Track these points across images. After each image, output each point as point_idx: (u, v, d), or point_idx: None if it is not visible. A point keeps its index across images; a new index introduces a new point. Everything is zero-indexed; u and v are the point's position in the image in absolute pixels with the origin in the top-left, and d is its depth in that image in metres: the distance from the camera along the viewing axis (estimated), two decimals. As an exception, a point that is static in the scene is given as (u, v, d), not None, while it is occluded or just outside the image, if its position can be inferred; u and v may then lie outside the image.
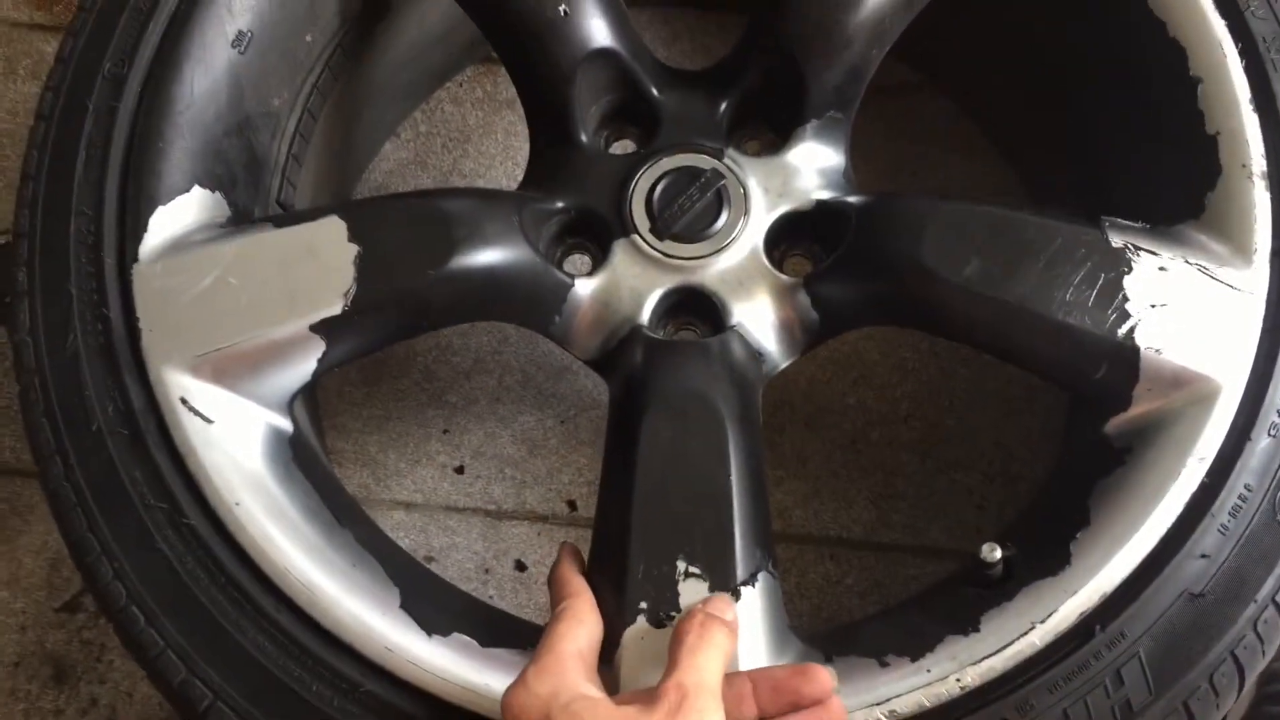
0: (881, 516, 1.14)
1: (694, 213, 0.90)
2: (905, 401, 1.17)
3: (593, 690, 0.67)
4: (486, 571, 1.14)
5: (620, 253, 0.91)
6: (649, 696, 0.66)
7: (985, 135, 1.23)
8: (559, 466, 1.17)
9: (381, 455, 1.18)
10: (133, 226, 0.85)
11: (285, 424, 0.86)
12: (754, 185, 0.92)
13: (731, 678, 0.71)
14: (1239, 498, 0.77)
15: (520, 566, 1.14)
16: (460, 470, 1.17)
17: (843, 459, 1.16)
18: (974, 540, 1.10)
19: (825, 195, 0.92)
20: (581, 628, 0.72)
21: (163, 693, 0.79)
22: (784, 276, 0.90)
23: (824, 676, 0.70)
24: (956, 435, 1.16)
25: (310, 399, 1.04)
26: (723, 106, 0.95)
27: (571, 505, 1.16)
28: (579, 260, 0.94)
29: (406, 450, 1.18)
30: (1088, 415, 0.85)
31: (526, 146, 1.24)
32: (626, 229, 0.90)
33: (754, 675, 0.71)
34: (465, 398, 1.19)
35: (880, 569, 1.13)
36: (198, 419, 0.81)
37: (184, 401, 0.81)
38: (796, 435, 1.17)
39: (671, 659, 0.69)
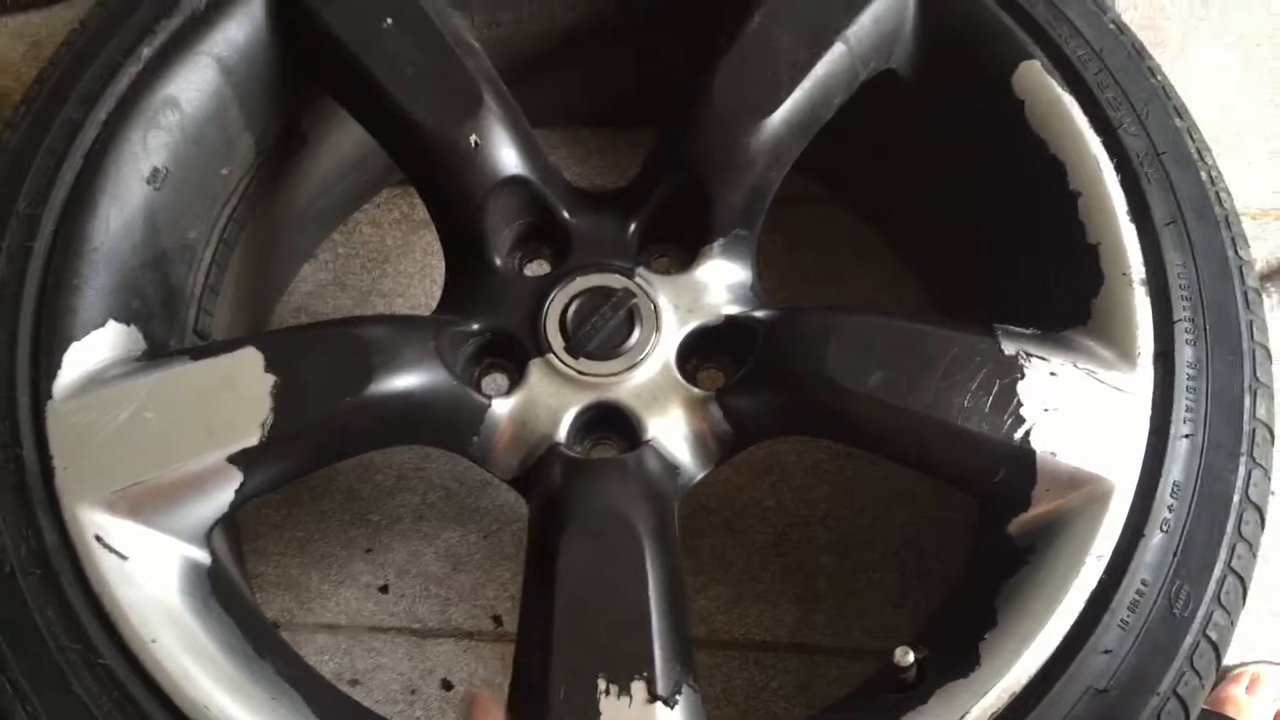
0: (804, 618, 1.15)
1: (607, 331, 0.93)
2: (822, 503, 1.20)
3: None
4: (413, 692, 1.13)
5: (536, 372, 0.93)
6: None
7: (886, 244, 1.28)
8: (483, 582, 1.17)
9: (304, 577, 1.17)
10: (46, 364, 0.85)
11: (203, 556, 0.86)
12: (664, 302, 0.95)
13: None
14: (1136, 593, 0.80)
15: (447, 685, 1.14)
16: (384, 589, 1.17)
17: (763, 562, 1.18)
18: (894, 638, 1.11)
19: (734, 310, 0.95)
20: None
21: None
22: (697, 390, 0.92)
23: None
24: (872, 535, 1.18)
25: (230, 523, 1.04)
26: (632, 226, 0.98)
27: (497, 620, 1.16)
28: (496, 380, 0.96)
29: (330, 571, 1.18)
30: (991, 517, 0.88)
31: (444, 265, 1.27)
32: (541, 349, 0.93)
33: None
34: (388, 516, 1.19)
35: (805, 672, 1.14)
36: (113, 556, 0.81)
37: (99, 539, 0.81)
38: (717, 540, 1.18)
39: None
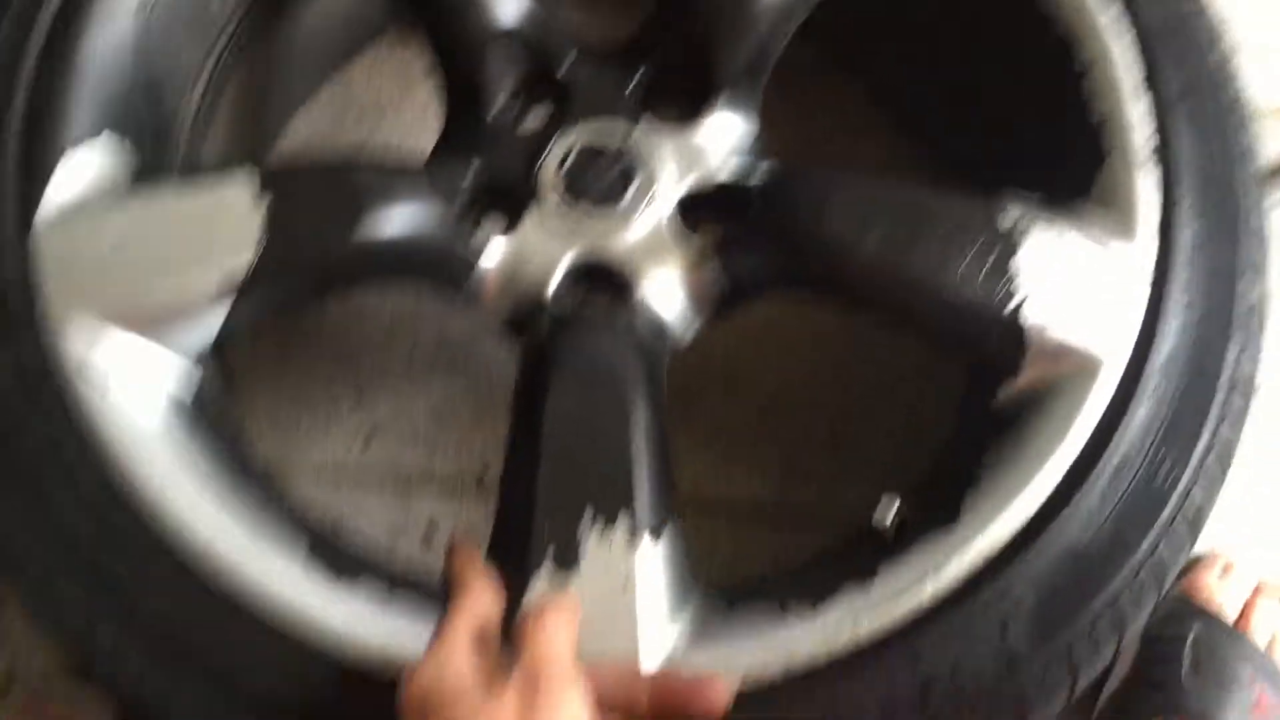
0: (792, 486, 1.16)
1: (604, 184, 0.92)
2: (818, 375, 1.20)
3: (470, 674, 0.67)
4: (396, 539, 1.15)
5: (530, 222, 0.92)
6: (506, 682, 0.67)
7: (891, 120, 1.26)
8: (469, 436, 1.18)
9: (291, 421, 1.18)
10: (33, 183, 0.83)
11: (190, 382, 0.85)
12: (663, 158, 0.93)
13: (628, 676, 0.72)
14: (1120, 461, 0.81)
15: (430, 533, 1.15)
16: (371, 437, 1.17)
17: (755, 429, 1.18)
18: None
19: (734, 168, 0.94)
20: (474, 617, 0.72)
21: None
22: (691, 247, 0.92)
23: (719, 690, 0.71)
24: (865, 410, 1.19)
25: (219, 360, 1.04)
26: (634, 80, 0.97)
27: (481, 475, 1.17)
28: (489, 228, 0.95)
29: (317, 414, 1.18)
30: (980, 383, 0.88)
31: (439, 122, 1.25)
32: (537, 199, 0.92)
33: (654, 678, 0.73)
34: (377, 366, 1.19)
35: (789, 536, 1.15)
36: (99, 375, 0.80)
37: (84, 358, 0.80)
38: (710, 402, 1.19)
39: (518, 644, 0.69)
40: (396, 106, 1.27)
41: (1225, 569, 1.10)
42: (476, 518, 1.15)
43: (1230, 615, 1.06)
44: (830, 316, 1.20)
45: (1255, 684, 1.01)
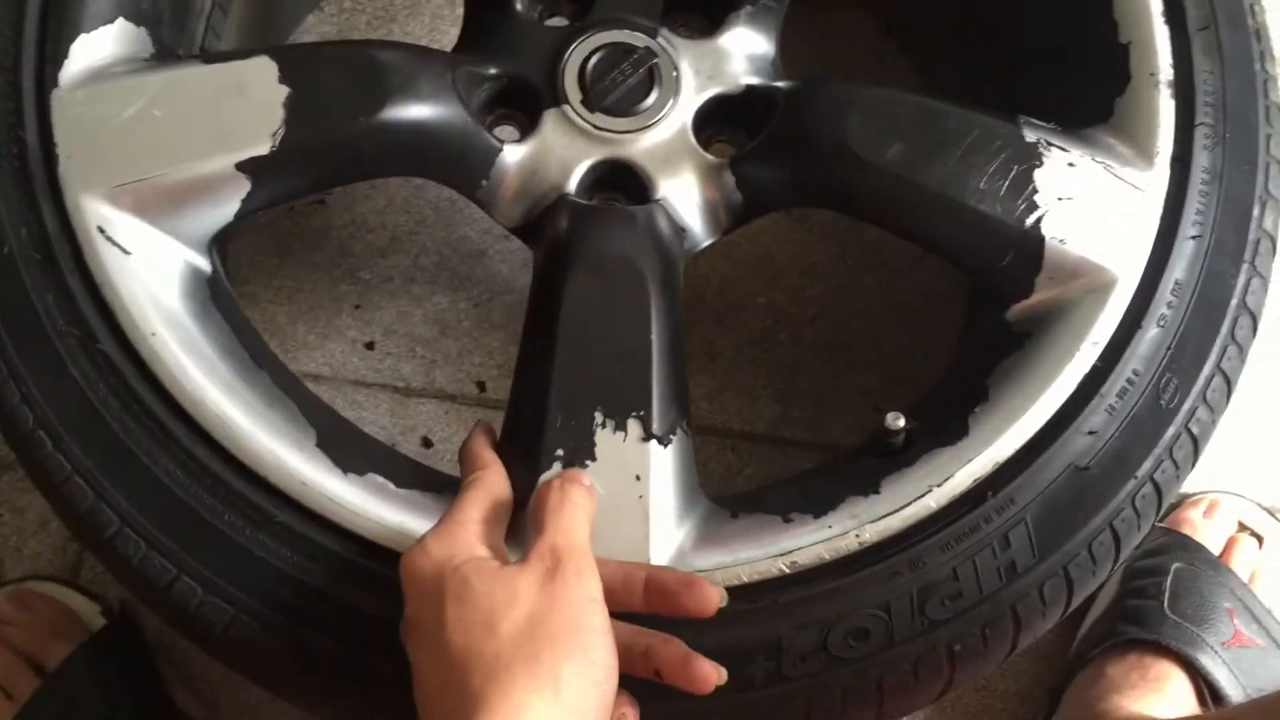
0: (784, 413, 1.17)
1: (626, 88, 0.91)
2: (813, 304, 1.20)
3: (484, 552, 0.68)
4: (393, 446, 1.14)
5: (550, 122, 0.91)
6: (525, 559, 0.67)
7: (903, 52, 1.26)
8: (470, 348, 1.18)
9: (291, 327, 1.17)
10: (53, 52, 0.82)
11: (204, 264, 0.85)
12: (685, 66, 0.93)
13: (628, 569, 0.72)
14: (1127, 381, 0.82)
15: (426, 443, 1.15)
16: (370, 346, 1.17)
17: (750, 355, 1.19)
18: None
19: (754, 80, 0.94)
20: (487, 497, 0.73)
21: (67, 521, 0.79)
22: (710, 156, 0.92)
23: (708, 593, 0.70)
24: (861, 340, 1.19)
25: (224, 259, 1.03)
26: (659, -14, 0.96)
27: (480, 386, 1.17)
28: (508, 128, 0.94)
29: (317, 323, 1.17)
30: (990, 302, 0.89)
31: (453, 30, 1.24)
32: (558, 99, 0.91)
33: (650, 571, 0.73)
34: (379, 275, 1.19)
35: (779, 462, 1.16)
36: (115, 249, 0.80)
37: (101, 230, 0.80)
38: (707, 331, 1.19)
39: (538, 524, 0.70)
40: (408, 13, 1.26)
41: (1210, 507, 1.12)
42: (475, 427, 1.15)
43: (1213, 551, 1.08)
44: (823, 250, 1.21)
45: (1234, 618, 1.03)
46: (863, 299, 1.21)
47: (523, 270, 1.19)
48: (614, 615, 0.67)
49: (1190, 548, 1.07)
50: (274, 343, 1.16)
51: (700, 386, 1.17)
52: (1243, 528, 1.11)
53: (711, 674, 0.68)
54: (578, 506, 0.71)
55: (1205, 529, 1.09)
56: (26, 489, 1.11)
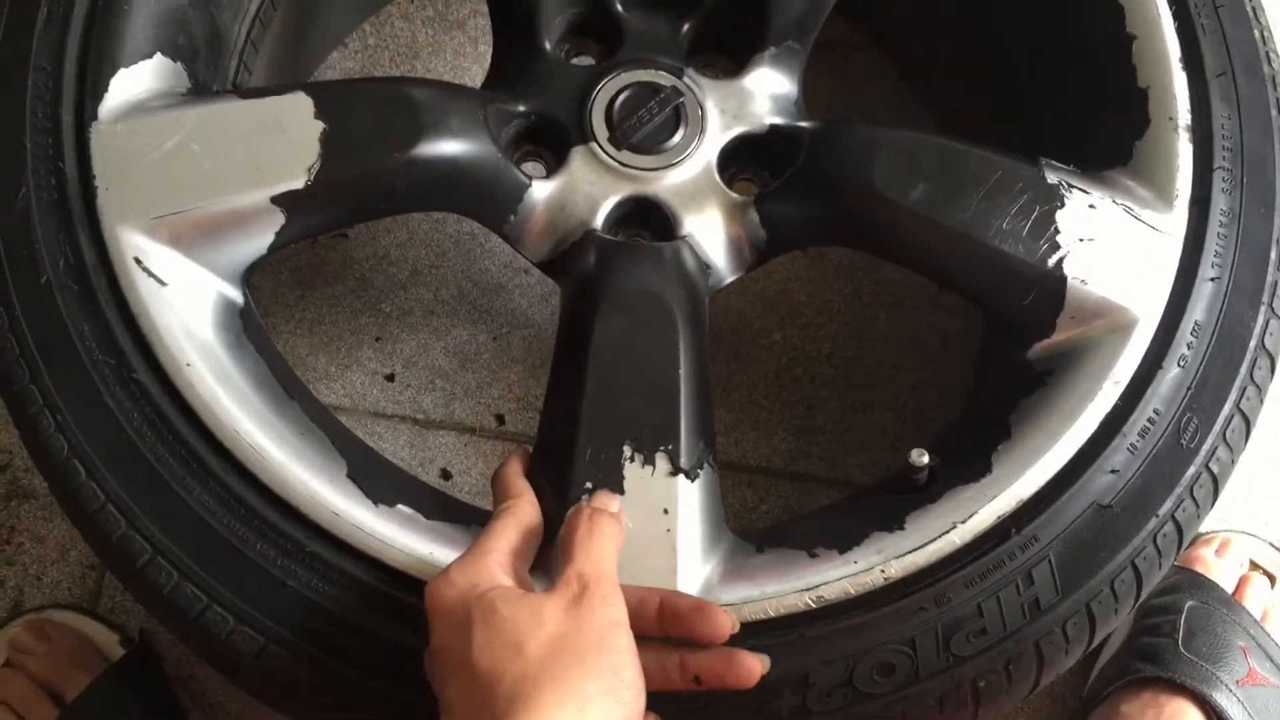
0: (800, 448, 1.18)
1: (652, 126, 0.93)
2: (828, 341, 1.21)
3: (509, 581, 0.69)
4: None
5: (578, 159, 0.93)
6: (551, 586, 0.68)
7: (920, 96, 1.28)
8: (489, 381, 1.18)
9: (311, 358, 1.18)
10: (93, 85, 0.84)
11: (238, 296, 0.86)
12: (711, 105, 0.95)
13: (644, 594, 0.73)
14: (1148, 420, 0.83)
15: (445, 475, 1.16)
16: (390, 378, 1.18)
17: (766, 392, 1.20)
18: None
19: (778, 120, 0.95)
20: (517, 528, 0.74)
21: (98, 550, 0.79)
22: (734, 195, 0.93)
23: (720, 620, 0.71)
24: (875, 377, 1.20)
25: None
26: (684, 29, 0.98)
27: (499, 419, 1.18)
28: (536, 164, 0.96)
29: (337, 355, 1.18)
30: (1012, 340, 0.90)
31: (474, 68, 1.26)
32: (585, 137, 0.92)
33: (664, 596, 0.73)
34: (400, 308, 1.20)
35: (796, 498, 1.17)
36: (151, 280, 0.81)
37: (138, 261, 0.81)
38: (723, 367, 1.20)
39: (566, 552, 0.71)
40: (430, 51, 1.28)
41: (1222, 546, 1.13)
42: (494, 460, 1.16)
43: (1226, 589, 1.09)
44: (838, 288, 1.22)
45: (1248, 656, 1.04)
46: (877, 336, 1.22)
47: (542, 304, 1.20)
48: None
49: (1204, 586, 1.07)
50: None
51: (718, 421, 1.18)
52: (1255, 566, 1.12)
53: (756, 664, 0.69)
54: (606, 536, 0.71)
55: (1218, 567, 1.10)
56: (47, 517, 1.11)
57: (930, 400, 1.20)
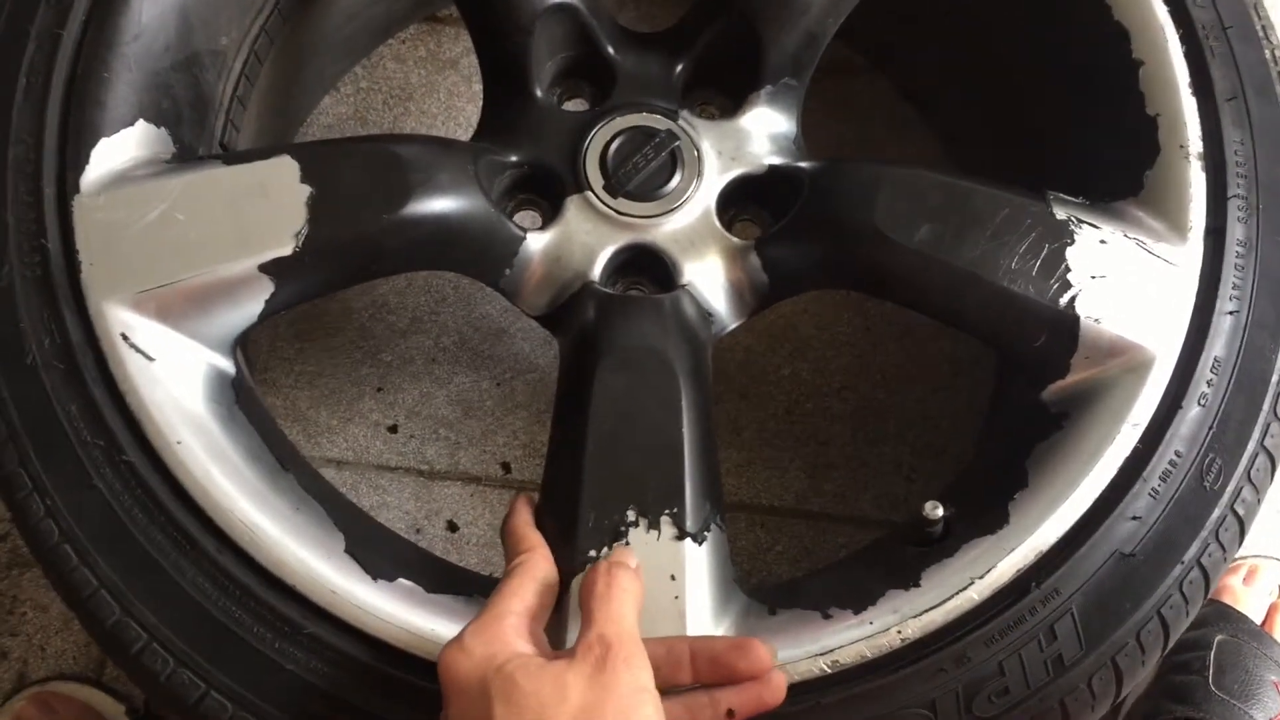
0: (813, 486, 1.16)
1: (648, 172, 0.91)
2: (838, 375, 1.19)
3: (527, 648, 0.66)
4: (418, 531, 1.13)
5: (573, 209, 0.90)
6: (573, 651, 0.66)
7: (925, 118, 1.25)
8: (493, 428, 1.16)
9: (313, 412, 1.16)
10: (74, 157, 0.82)
11: (228, 365, 0.84)
12: (707, 148, 0.92)
13: (672, 643, 0.71)
14: (1169, 463, 0.80)
15: (452, 527, 1.14)
16: (394, 429, 1.16)
17: (776, 429, 1.17)
18: (902, 510, 1.13)
19: (777, 160, 0.93)
20: (532, 585, 0.71)
21: (94, 635, 0.77)
22: (735, 239, 0.91)
23: (761, 653, 0.69)
24: (887, 409, 1.18)
25: (244, 351, 1.02)
26: (678, 69, 0.95)
27: (505, 467, 1.15)
28: (531, 214, 0.93)
29: (339, 407, 1.16)
30: (1025, 381, 0.87)
31: (469, 107, 1.24)
32: (580, 185, 0.90)
33: (694, 644, 0.71)
34: (401, 357, 1.18)
35: (810, 537, 1.14)
36: (139, 355, 0.79)
37: (125, 337, 0.79)
38: (732, 405, 1.18)
39: (586, 613, 0.68)
40: (423, 91, 1.26)
41: (1250, 574, 1.10)
42: (500, 509, 1.14)
43: (1255, 619, 1.06)
44: (847, 320, 1.20)
45: (1281, 691, 1.01)
46: (887, 368, 1.19)
47: (544, 348, 1.18)
48: (662, 692, 0.65)
49: (1232, 618, 1.04)
50: (296, 429, 1.15)
51: (727, 461, 1.16)
52: (1286, 593, 1.09)
53: (782, 676, 0.71)
54: (625, 592, 0.69)
55: (1246, 597, 1.07)
56: (49, 586, 1.10)
57: (943, 429, 1.18)
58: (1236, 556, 1.11)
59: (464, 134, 1.17)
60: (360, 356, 1.18)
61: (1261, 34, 0.91)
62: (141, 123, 0.85)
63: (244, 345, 0.90)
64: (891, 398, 1.18)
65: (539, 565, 0.73)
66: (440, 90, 1.26)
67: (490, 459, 1.16)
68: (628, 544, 0.77)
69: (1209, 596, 1.06)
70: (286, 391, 1.16)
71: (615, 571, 0.70)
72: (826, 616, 0.78)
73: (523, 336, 1.18)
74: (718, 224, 0.91)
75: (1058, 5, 0.96)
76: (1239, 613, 1.05)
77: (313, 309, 1.18)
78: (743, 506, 1.15)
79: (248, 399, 0.85)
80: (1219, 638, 1.03)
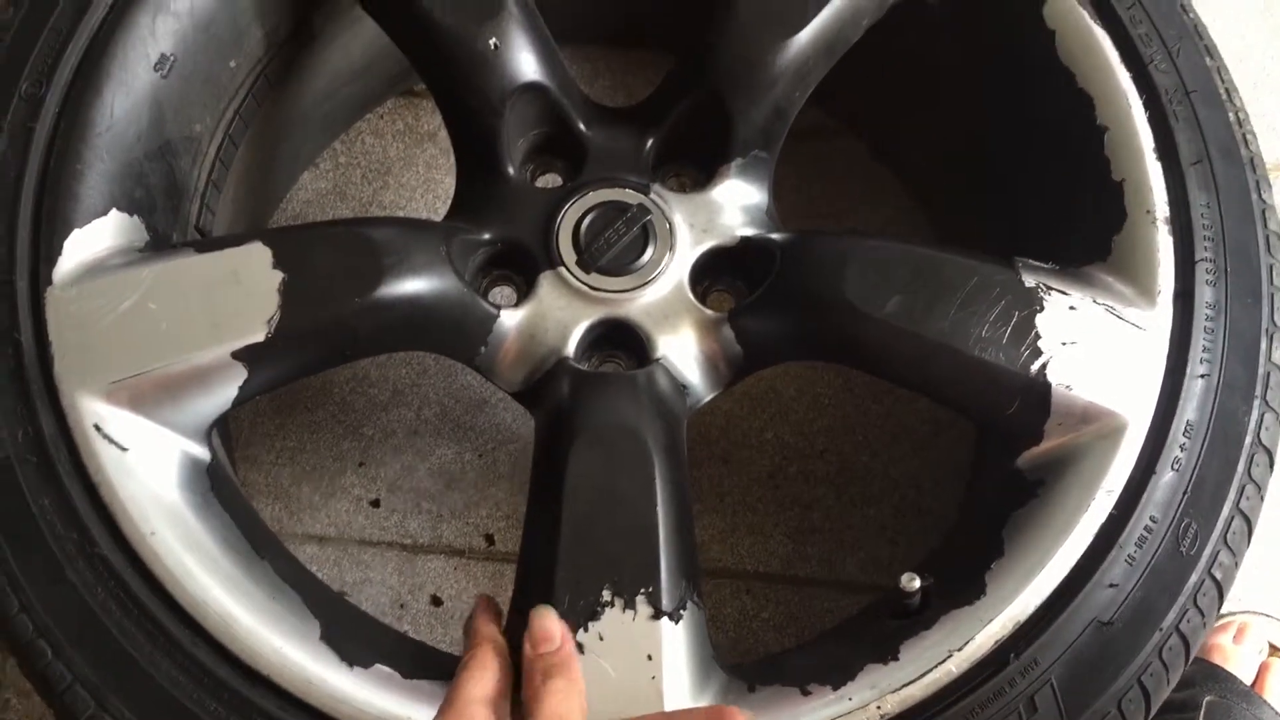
0: (798, 550, 1.15)
1: (620, 246, 0.91)
2: (820, 437, 1.19)
3: None
4: (402, 606, 1.13)
5: (546, 285, 0.91)
6: None
7: (898, 179, 1.26)
8: (476, 500, 1.16)
9: (294, 488, 1.16)
10: (46, 250, 0.82)
11: (203, 453, 0.84)
12: (679, 221, 0.93)
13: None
14: (1145, 529, 0.80)
15: (436, 601, 1.13)
16: (376, 504, 1.16)
17: (760, 493, 1.17)
18: (888, 574, 1.13)
19: (749, 232, 0.94)
20: (485, 674, 0.72)
21: (69, 730, 0.77)
22: (709, 311, 0.91)
23: (737, 717, 0.68)
24: (869, 470, 1.18)
25: (222, 430, 1.02)
26: (649, 143, 0.96)
27: (489, 539, 1.15)
28: (505, 291, 0.94)
29: (320, 483, 1.16)
30: (1000, 449, 0.87)
31: (447, 180, 1.25)
32: (553, 261, 0.91)
33: (671, 717, 0.71)
34: (382, 430, 1.18)
35: (796, 603, 1.14)
36: (112, 447, 0.79)
37: (98, 429, 0.79)
38: (714, 470, 1.18)
39: (526, 707, 0.70)
40: (402, 165, 1.27)
41: (1239, 632, 1.09)
42: (485, 583, 1.13)
43: (1245, 679, 1.05)
44: (828, 381, 1.20)
45: (1274, 750, 1.00)
46: (870, 429, 1.19)
47: (526, 418, 1.17)
48: None
49: (1221, 679, 1.04)
50: (278, 505, 1.15)
51: (711, 528, 1.16)
52: (1275, 650, 1.09)
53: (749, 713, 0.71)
54: (559, 694, 0.69)
55: (1235, 656, 1.06)
56: (31, 671, 1.09)
57: (926, 489, 1.18)
58: (1226, 613, 1.11)
59: (442, 205, 1.18)
60: (342, 431, 1.18)
61: (1225, 96, 0.92)
62: (114, 212, 0.86)
63: (223, 427, 0.90)
64: (874, 459, 1.18)
65: (488, 658, 0.73)
66: (419, 163, 1.27)
67: (474, 531, 1.15)
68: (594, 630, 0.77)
69: (1197, 655, 1.07)
70: (268, 468, 1.16)
71: (550, 671, 0.71)
72: (805, 693, 0.78)
73: (504, 407, 1.19)
74: (691, 297, 0.91)
75: (1025, 72, 0.97)
76: (1227, 673, 1.04)
77: (294, 384, 1.18)
78: (728, 573, 1.15)
79: (223, 485, 0.85)
80: (1208, 699, 1.02)
